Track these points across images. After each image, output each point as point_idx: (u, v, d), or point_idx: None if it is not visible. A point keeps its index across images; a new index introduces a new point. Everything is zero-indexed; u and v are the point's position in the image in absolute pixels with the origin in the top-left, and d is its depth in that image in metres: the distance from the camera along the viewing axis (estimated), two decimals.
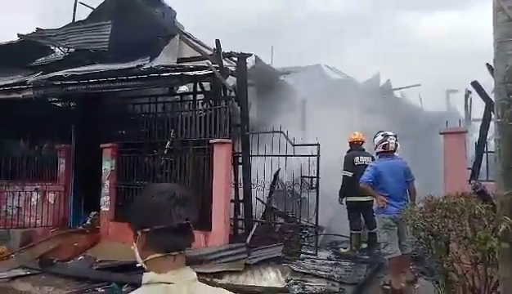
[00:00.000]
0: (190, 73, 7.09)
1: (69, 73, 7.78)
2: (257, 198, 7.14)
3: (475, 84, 6.25)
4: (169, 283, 1.10)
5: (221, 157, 6.57)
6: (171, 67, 7.15)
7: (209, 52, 7.46)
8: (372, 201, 5.79)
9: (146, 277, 1.13)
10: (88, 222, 8.34)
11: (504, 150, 2.54)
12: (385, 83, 12.97)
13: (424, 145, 8.54)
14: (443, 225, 3.24)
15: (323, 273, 5.53)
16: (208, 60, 7.04)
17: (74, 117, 9.28)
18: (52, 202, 8.54)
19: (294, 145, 6.35)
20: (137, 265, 1.18)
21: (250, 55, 7.63)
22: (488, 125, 6.09)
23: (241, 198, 6.97)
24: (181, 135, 7.34)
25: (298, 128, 8.41)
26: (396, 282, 4.79)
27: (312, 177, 6.48)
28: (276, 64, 11.66)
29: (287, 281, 5.28)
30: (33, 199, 8.56)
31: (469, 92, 9.43)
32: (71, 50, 9.38)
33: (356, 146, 6.71)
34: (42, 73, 8.60)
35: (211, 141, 6.72)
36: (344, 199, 6.58)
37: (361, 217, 6.53)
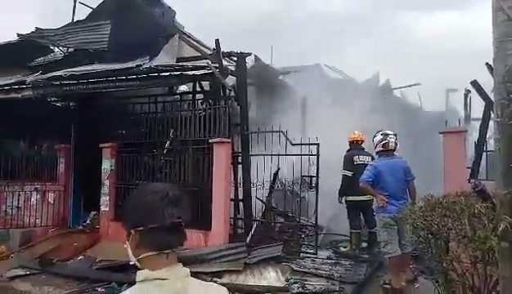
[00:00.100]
0: (190, 72, 7.08)
1: (69, 73, 7.77)
2: (256, 198, 7.14)
3: (475, 83, 6.26)
4: (164, 279, 1.14)
5: (220, 156, 6.58)
6: (170, 67, 7.15)
7: (209, 52, 7.46)
8: (372, 200, 5.79)
9: (141, 274, 1.16)
10: (88, 222, 8.34)
11: (503, 149, 2.55)
12: (385, 83, 12.97)
13: (423, 145, 8.55)
14: (443, 224, 3.24)
15: (323, 272, 5.53)
16: (207, 60, 7.04)
17: (73, 116, 9.27)
18: (52, 201, 8.54)
19: (293, 145, 6.35)
20: (131, 264, 1.20)
21: (250, 54, 7.63)
22: (488, 124, 6.10)
23: (241, 197, 6.97)
24: (180, 135, 7.34)
25: (297, 128, 8.41)
26: (396, 281, 4.79)
27: (311, 176, 6.48)
28: (275, 64, 11.67)
29: (287, 280, 5.28)
30: (32, 199, 8.56)
31: (469, 92, 9.44)
32: (70, 50, 9.38)
33: (355, 145, 6.71)
34: (41, 73, 8.59)
35: (210, 141, 6.72)
36: (344, 198, 6.58)
37: (361, 216, 6.54)
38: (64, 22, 9.29)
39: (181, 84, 7.77)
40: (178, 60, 7.56)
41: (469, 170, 5.76)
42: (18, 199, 8.51)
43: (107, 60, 8.28)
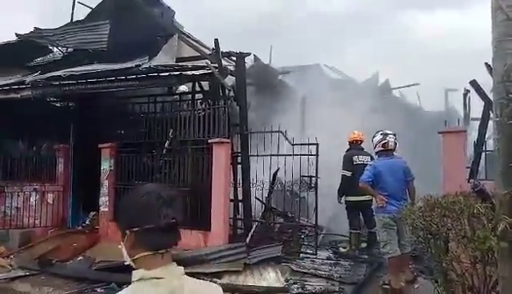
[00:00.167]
0: (189, 72, 7.08)
1: (68, 73, 7.77)
2: (256, 198, 7.13)
3: (474, 83, 6.26)
4: (160, 278, 1.16)
5: (220, 156, 6.57)
6: (170, 67, 7.14)
7: (208, 52, 7.46)
8: (371, 200, 5.79)
9: (137, 274, 1.18)
10: (87, 222, 8.32)
11: (503, 149, 2.54)
12: (384, 83, 12.97)
13: (423, 145, 8.55)
14: (442, 224, 3.24)
15: (323, 272, 5.53)
16: (207, 60, 7.03)
17: (72, 117, 9.26)
18: (51, 202, 8.52)
19: (293, 145, 6.34)
20: (126, 264, 1.21)
21: (249, 54, 7.62)
22: (487, 124, 6.10)
23: (240, 197, 6.96)
24: (179, 135, 7.33)
25: (297, 128, 8.40)
26: (395, 282, 4.79)
27: (311, 177, 6.47)
28: (275, 64, 11.65)
29: (287, 281, 5.28)
30: (31, 199, 8.54)
31: (468, 91, 9.43)
32: (70, 50, 9.37)
33: (355, 145, 6.71)
34: (40, 73, 8.58)
35: (210, 141, 6.71)
36: (343, 199, 6.58)
37: (361, 217, 6.53)
38: (63, 22, 9.29)
39: (181, 84, 7.76)
40: (178, 60, 7.56)
41: (469, 170, 5.76)
42: (17, 200, 8.50)
43: (106, 60, 8.27)
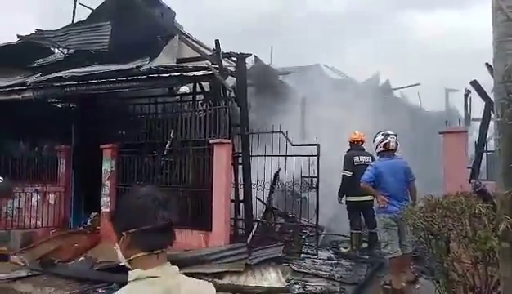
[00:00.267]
0: (190, 73, 7.09)
1: (69, 74, 7.79)
2: (257, 198, 7.14)
3: (475, 84, 6.27)
4: (156, 277, 1.20)
5: (221, 157, 6.58)
6: (170, 67, 7.15)
7: (209, 52, 7.47)
8: (372, 200, 5.79)
9: (133, 274, 1.21)
10: (89, 223, 8.34)
11: (504, 149, 2.55)
12: (385, 83, 12.97)
13: (424, 145, 8.55)
14: (443, 225, 3.24)
15: (324, 273, 5.53)
16: (207, 61, 7.04)
17: (73, 118, 9.28)
18: (53, 203, 8.54)
19: (293, 145, 6.35)
20: (121, 265, 1.25)
21: (249, 55, 7.63)
22: (488, 124, 6.10)
23: (241, 198, 6.97)
24: (181, 136, 7.34)
25: (297, 128, 8.41)
26: (396, 282, 4.79)
27: (311, 177, 6.48)
28: (275, 64, 11.66)
29: (288, 281, 5.28)
30: (33, 200, 8.56)
31: (469, 92, 9.43)
32: (71, 51, 9.38)
33: (356, 146, 6.71)
34: (41, 74, 8.60)
35: (211, 142, 6.72)
36: (344, 199, 6.58)
37: (362, 217, 6.53)
38: (64, 23, 9.32)
39: (182, 85, 7.77)
40: (178, 60, 7.57)
41: (470, 170, 5.75)
42: (19, 200, 8.51)
43: (107, 61, 8.28)
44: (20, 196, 8.49)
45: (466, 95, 10.17)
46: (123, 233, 1.22)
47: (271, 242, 6.42)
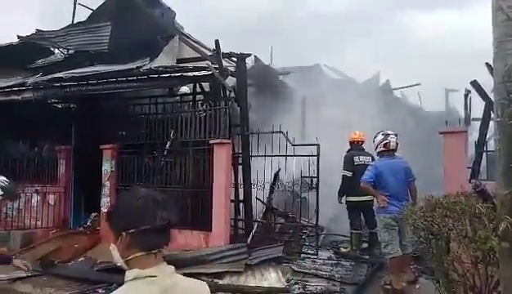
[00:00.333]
0: (190, 73, 7.09)
1: (69, 75, 7.78)
2: (257, 199, 7.14)
3: (475, 83, 6.27)
4: (154, 276, 1.22)
5: (221, 157, 6.58)
6: (170, 68, 7.15)
7: (209, 53, 7.46)
8: (372, 200, 5.79)
9: (131, 273, 1.24)
10: (89, 223, 8.34)
11: (504, 149, 2.55)
12: (385, 83, 12.97)
13: (424, 145, 8.54)
14: (444, 225, 3.24)
15: (324, 273, 5.53)
16: (207, 61, 7.04)
17: (73, 118, 9.28)
18: (53, 203, 8.54)
19: (293, 145, 6.35)
20: (117, 265, 1.29)
21: (249, 55, 7.63)
22: (488, 124, 6.11)
23: (241, 198, 6.97)
24: (181, 136, 7.34)
25: (297, 128, 8.41)
26: (396, 282, 4.79)
27: (311, 177, 6.48)
28: (275, 64, 11.67)
29: (288, 281, 5.28)
30: (33, 201, 8.56)
31: (469, 92, 9.43)
32: (71, 51, 9.38)
33: (356, 146, 6.71)
34: (41, 75, 8.60)
35: (211, 142, 6.72)
36: (344, 199, 6.58)
37: (362, 217, 6.53)
38: (64, 23, 9.32)
39: (182, 85, 7.78)
40: (178, 61, 7.56)
41: (470, 170, 5.75)
42: (19, 201, 8.50)
43: (107, 61, 8.28)
44: (19, 196, 8.49)
45: (466, 95, 10.16)
46: (123, 233, 1.23)
47: (272, 242, 6.42)
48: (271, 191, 7.08)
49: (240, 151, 7.02)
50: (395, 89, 13.22)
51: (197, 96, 8.23)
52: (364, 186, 5.07)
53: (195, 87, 8.16)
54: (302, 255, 6.25)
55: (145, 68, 7.25)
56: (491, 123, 5.60)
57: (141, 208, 1.25)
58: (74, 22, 9.47)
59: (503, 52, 2.56)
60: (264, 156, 6.57)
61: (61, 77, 7.80)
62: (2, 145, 9.16)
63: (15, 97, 8.21)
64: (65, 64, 8.93)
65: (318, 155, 6.21)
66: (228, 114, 6.80)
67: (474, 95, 6.75)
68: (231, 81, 7.28)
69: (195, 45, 8.18)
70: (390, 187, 4.86)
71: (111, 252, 1.32)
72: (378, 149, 5.14)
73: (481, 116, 6.46)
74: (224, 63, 7.07)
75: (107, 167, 7.87)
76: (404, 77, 13.85)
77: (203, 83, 7.88)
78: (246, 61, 7.52)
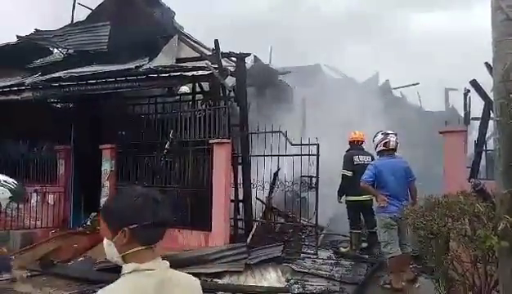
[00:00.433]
0: (189, 73, 7.08)
1: (68, 75, 7.77)
2: (257, 198, 7.13)
3: (474, 83, 6.27)
4: (152, 270, 1.29)
5: (220, 157, 6.58)
6: (170, 67, 7.14)
7: (208, 52, 7.46)
8: (372, 200, 5.79)
9: (129, 267, 1.29)
10: (88, 223, 8.32)
11: (503, 149, 2.55)
12: (384, 83, 12.98)
13: (423, 144, 8.55)
14: (443, 224, 3.24)
15: (323, 272, 5.53)
16: (207, 61, 7.04)
17: (73, 118, 9.26)
18: (52, 203, 8.53)
19: (293, 145, 6.35)
20: (111, 260, 1.34)
21: (249, 55, 7.62)
22: (487, 123, 6.11)
23: (241, 198, 6.97)
24: (180, 136, 7.34)
25: (297, 128, 8.41)
26: (396, 281, 4.79)
27: (311, 177, 6.48)
28: (275, 64, 11.66)
29: (287, 281, 5.28)
30: (32, 201, 8.53)
31: (468, 91, 9.44)
32: (70, 51, 9.37)
33: (355, 145, 6.71)
34: (40, 75, 8.59)
35: (210, 141, 6.72)
36: (344, 198, 6.58)
37: (361, 216, 6.54)
38: (63, 23, 9.30)
39: (181, 85, 7.77)
40: (178, 60, 7.56)
41: (469, 169, 5.75)
42: None
43: (107, 61, 8.27)
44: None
45: (466, 95, 10.18)
46: (125, 228, 1.28)
47: (271, 241, 6.42)
48: (271, 191, 7.08)
49: (240, 151, 7.01)
50: (395, 88, 13.23)
51: (197, 96, 8.22)
52: (364, 186, 5.07)
53: (194, 87, 8.16)
54: (301, 254, 6.25)
55: (144, 67, 7.25)
56: (491, 123, 5.61)
57: (141, 205, 1.31)
58: (73, 22, 9.46)
59: (502, 52, 2.56)
60: (264, 156, 6.57)
61: (60, 77, 7.79)
62: (2, 145, 9.16)
63: (15, 97, 8.20)
64: (64, 63, 8.93)
65: (318, 155, 6.21)
66: (228, 114, 6.79)
67: (474, 94, 6.75)
68: (230, 81, 7.27)
69: (195, 45, 8.18)
70: (390, 187, 4.87)
71: (105, 248, 1.35)
72: (378, 149, 5.15)
73: (480, 115, 6.46)
74: (224, 63, 7.06)
75: (107, 166, 7.87)
76: (403, 76, 13.85)
77: (202, 83, 7.87)
78: (246, 61, 7.52)
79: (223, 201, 6.48)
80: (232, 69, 7.22)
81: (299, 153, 6.35)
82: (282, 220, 7.39)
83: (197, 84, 8.03)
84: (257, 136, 6.69)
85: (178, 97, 8.45)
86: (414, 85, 12.89)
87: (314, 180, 6.41)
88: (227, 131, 6.77)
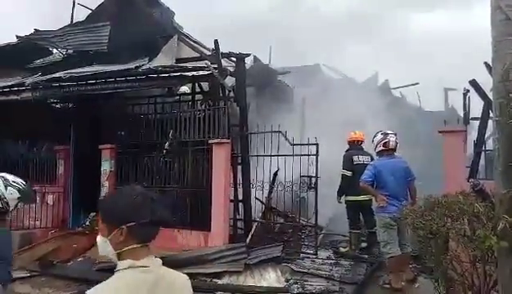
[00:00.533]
0: (189, 73, 7.08)
1: (68, 75, 7.77)
2: (256, 198, 7.13)
3: (473, 83, 6.27)
4: (147, 267, 1.32)
5: (220, 157, 6.57)
6: (169, 67, 7.14)
7: (208, 52, 7.46)
8: (371, 200, 5.79)
9: (125, 263, 1.32)
10: (88, 223, 8.30)
11: (502, 148, 2.55)
12: (384, 83, 12.98)
13: (423, 144, 8.55)
14: (442, 224, 3.24)
15: (323, 272, 5.53)
16: (206, 61, 7.04)
17: (72, 118, 9.26)
18: (51, 203, 8.53)
19: (292, 145, 6.35)
20: (106, 256, 1.37)
21: (249, 55, 7.63)
22: (487, 123, 6.11)
23: (240, 198, 6.97)
24: (180, 136, 7.33)
25: (297, 128, 8.41)
26: (395, 281, 4.79)
27: (311, 177, 6.48)
28: (274, 64, 11.66)
29: (287, 281, 5.28)
30: None
31: (468, 91, 9.45)
32: (70, 51, 9.36)
33: (355, 145, 6.71)
34: (40, 75, 8.58)
35: (210, 142, 6.71)
36: (343, 198, 6.58)
37: (361, 216, 6.54)
38: (63, 23, 9.29)
39: (181, 85, 7.77)
40: (177, 60, 7.56)
41: (469, 169, 5.76)
42: None
43: (106, 61, 8.27)
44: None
45: (465, 95, 10.18)
46: (123, 226, 1.31)
47: (271, 241, 6.42)
48: (271, 191, 7.07)
49: (239, 151, 7.01)
50: (394, 88, 13.23)
51: (196, 96, 8.22)
52: (363, 186, 5.07)
53: (194, 87, 8.16)
54: (301, 254, 6.25)
55: (144, 67, 7.24)
56: (490, 122, 5.62)
57: (139, 204, 1.34)
58: (73, 22, 9.45)
59: (502, 51, 2.56)
60: (263, 156, 6.57)
61: (60, 77, 7.79)
62: (1, 145, 9.15)
63: (14, 97, 8.20)
64: (64, 64, 8.92)
65: (317, 155, 6.21)
66: (227, 114, 6.79)
67: (473, 94, 6.76)
68: (230, 81, 7.27)
69: (194, 45, 8.18)
70: (389, 187, 4.87)
71: (99, 244, 1.37)
72: (377, 149, 5.14)
73: (480, 115, 6.47)
74: (223, 63, 7.06)
75: (106, 166, 7.86)
76: (403, 76, 13.86)
77: (202, 83, 7.87)
78: (245, 61, 7.52)
79: (223, 201, 6.48)
80: (232, 69, 7.22)
81: (299, 153, 6.34)
82: (282, 220, 7.39)
83: (197, 84, 8.03)
84: (256, 136, 6.68)
85: (178, 97, 8.44)
86: (413, 85, 12.89)
87: (313, 180, 6.40)
88: (227, 131, 6.77)
